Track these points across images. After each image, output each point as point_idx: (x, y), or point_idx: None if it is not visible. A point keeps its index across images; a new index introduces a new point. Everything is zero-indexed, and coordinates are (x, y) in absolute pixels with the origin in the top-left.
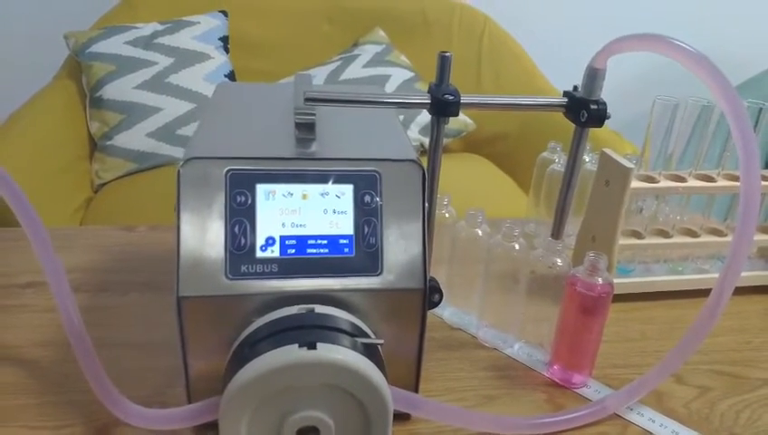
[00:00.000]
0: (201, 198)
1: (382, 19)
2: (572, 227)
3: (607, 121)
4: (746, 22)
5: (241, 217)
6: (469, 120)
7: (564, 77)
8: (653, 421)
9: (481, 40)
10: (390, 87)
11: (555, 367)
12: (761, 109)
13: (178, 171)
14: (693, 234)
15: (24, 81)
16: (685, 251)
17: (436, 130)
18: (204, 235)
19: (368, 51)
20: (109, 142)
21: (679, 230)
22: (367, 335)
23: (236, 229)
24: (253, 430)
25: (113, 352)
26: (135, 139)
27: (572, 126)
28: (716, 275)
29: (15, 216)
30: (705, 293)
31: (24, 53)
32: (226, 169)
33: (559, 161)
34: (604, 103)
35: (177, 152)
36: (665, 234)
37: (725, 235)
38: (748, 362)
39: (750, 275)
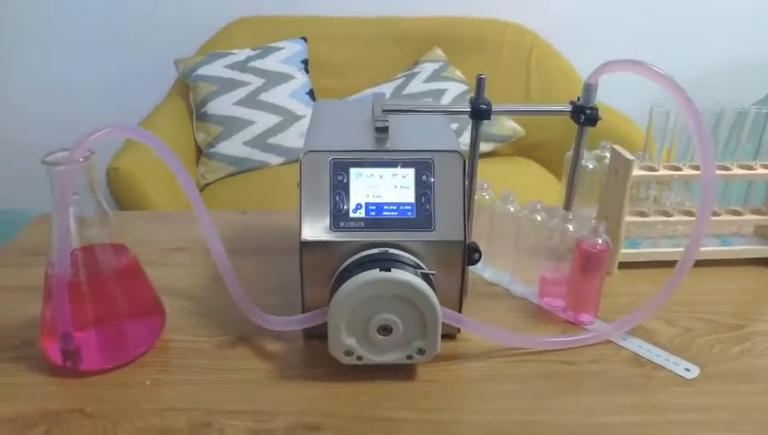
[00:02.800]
0: (314, 178)
1: (440, 40)
2: (593, 211)
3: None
4: None
5: (340, 190)
6: (519, 128)
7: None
8: (641, 347)
9: (530, 56)
10: (446, 99)
11: (569, 310)
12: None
13: (300, 160)
14: (691, 215)
15: (140, 99)
16: (687, 229)
17: (475, 129)
18: (316, 201)
19: (427, 68)
20: (212, 150)
21: (680, 212)
22: (423, 269)
23: (337, 198)
24: (349, 327)
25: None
26: (233, 147)
27: (602, 132)
28: (709, 249)
29: (186, 196)
30: (699, 262)
31: (139, 76)
32: (330, 158)
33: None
34: (596, 109)
35: (269, 158)
36: (667, 214)
37: (719, 215)
38: (728, 313)
39: (745, 249)
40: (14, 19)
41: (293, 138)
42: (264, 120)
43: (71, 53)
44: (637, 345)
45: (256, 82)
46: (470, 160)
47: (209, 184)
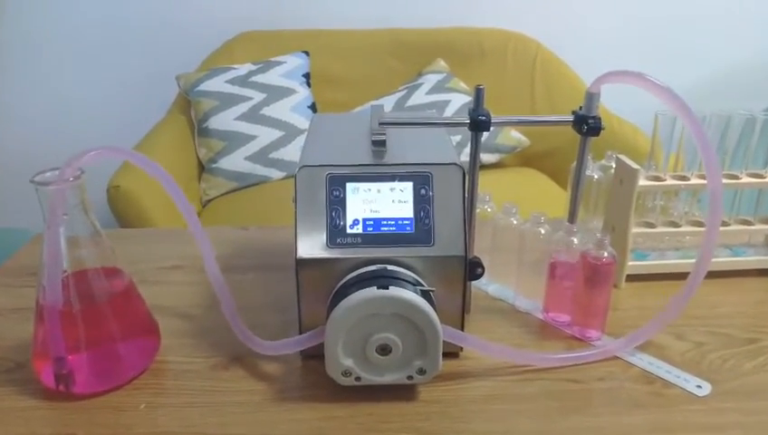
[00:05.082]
0: (310, 193)
1: (443, 51)
2: (599, 223)
3: None
4: None
5: (336, 205)
6: (523, 138)
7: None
8: (651, 364)
9: (534, 64)
10: (450, 110)
11: (575, 326)
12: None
13: (295, 175)
14: (700, 225)
15: (142, 115)
16: (696, 240)
17: (474, 141)
18: (312, 217)
19: (430, 80)
20: (214, 165)
21: (688, 223)
22: (423, 286)
23: (333, 214)
24: (347, 347)
25: (239, 312)
26: (235, 162)
27: (610, 142)
28: (719, 259)
29: (181, 213)
30: (709, 274)
31: (140, 92)
32: (326, 173)
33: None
34: (599, 119)
35: (271, 172)
36: (675, 225)
37: (729, 224)
38: (740, 327)
39: (756, 260)
40: (12, 34)
41: (295, 152)
42: (266, 135)
43: (72, 69)
44: (646, 362)
45: (258, 96)
46: (470, 173)
47: (211, 200)
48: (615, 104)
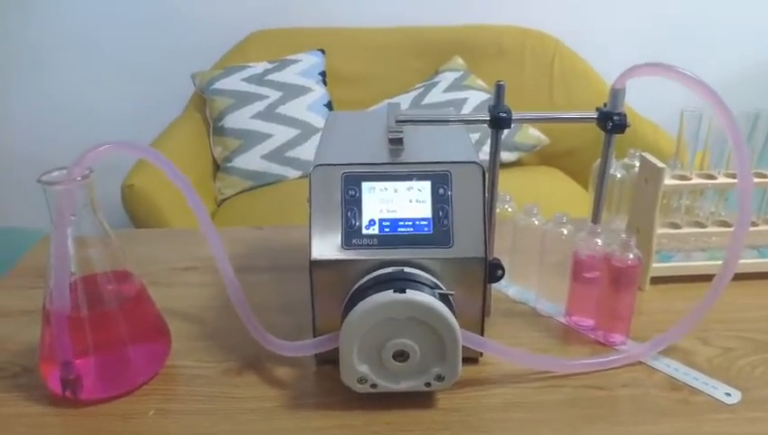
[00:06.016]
0: (325, 192)
1: (460, 49)
2: (622, 223)
3: None
4: None
5: (352, 205)
6: (543, 136)
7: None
8: (677, 370)
9: (552, 62)
10: (468, 108)
11: (599, 330)
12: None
13: (310, 174)
14: (727, 225)
15: (158, 113)
16: (723, 241)
17: (494, 139)
18: (327, 217)
19: (447, 77)
20: (229, 164)
21: (715, 223)
22: (441, 289)
23: (349, 214)
24: (362, 352)
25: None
26: (251, 161)
27: (629, 140)
28: (747, 261)
29: (196, 217)
30: (736, 275)
31: (156, 90)
32: (342, 172)
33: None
34: (625, 115)
35: (287, 171)
36: (701, 225)
37: (757, 225)
38: None
39: None
40: (27, 31)
41: (311, 151)
42: (282, 134)
43: (87, 67)
44: (672, 368)
45: (274, 94)
46: (490, 171)
47: (227, 199)
48: (633, 102)
